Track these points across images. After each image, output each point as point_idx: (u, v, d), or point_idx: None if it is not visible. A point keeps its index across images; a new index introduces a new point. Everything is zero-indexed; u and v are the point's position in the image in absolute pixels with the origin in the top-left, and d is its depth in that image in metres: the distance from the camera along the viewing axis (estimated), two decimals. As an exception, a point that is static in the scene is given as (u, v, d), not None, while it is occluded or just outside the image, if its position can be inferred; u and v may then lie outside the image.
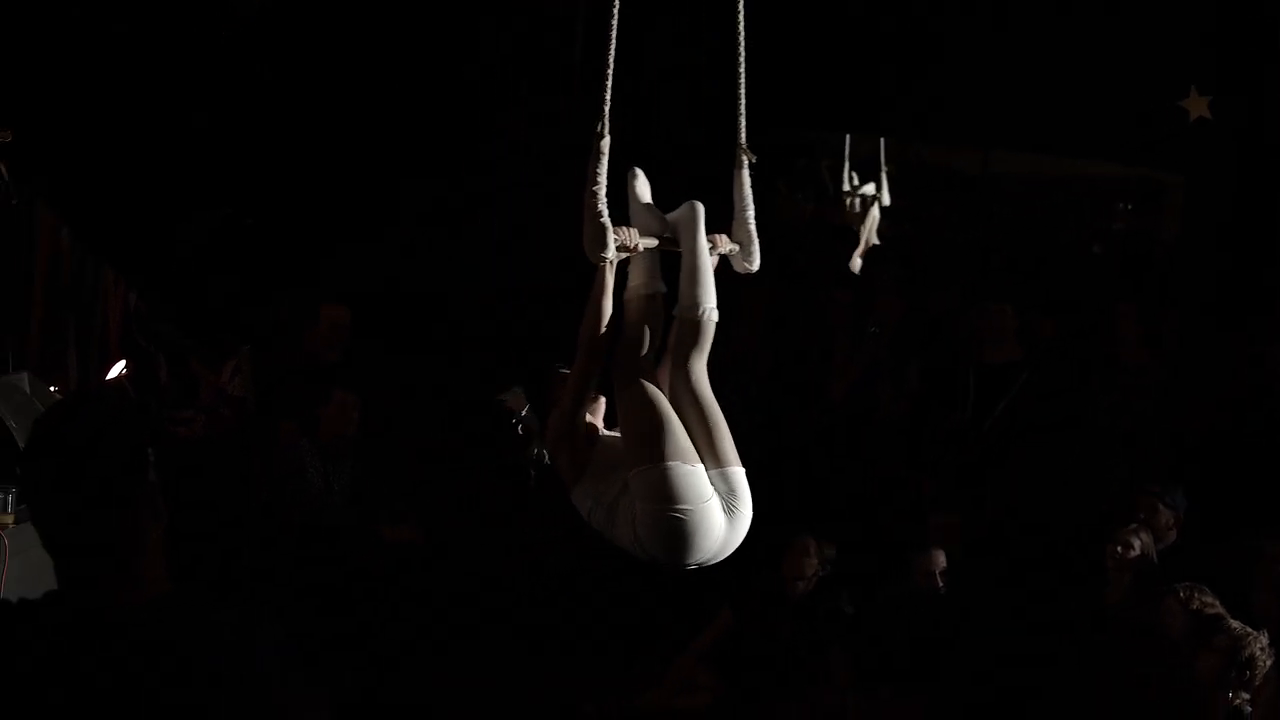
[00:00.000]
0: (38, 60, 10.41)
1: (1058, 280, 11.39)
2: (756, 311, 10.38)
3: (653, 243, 5.54)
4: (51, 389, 7.96)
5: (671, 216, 5.63)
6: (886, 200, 12.19)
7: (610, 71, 5.41)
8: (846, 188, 12.26)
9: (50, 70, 10.46)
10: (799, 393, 10.29)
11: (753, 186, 5.75)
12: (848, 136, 12.15)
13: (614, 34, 5.41)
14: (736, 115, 5.66)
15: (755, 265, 5.73)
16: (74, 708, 2.77)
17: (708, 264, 5.51)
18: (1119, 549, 8.17)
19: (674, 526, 5.24)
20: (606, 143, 5.40)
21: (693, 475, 5.25)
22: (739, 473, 5.38)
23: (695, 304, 5.47)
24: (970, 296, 10.70)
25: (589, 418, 5.60)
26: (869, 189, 12.18)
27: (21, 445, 6.79)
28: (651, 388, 5.42)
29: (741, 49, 5.64)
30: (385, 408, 9.91)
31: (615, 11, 5.41)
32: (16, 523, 6.72)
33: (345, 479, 9.26)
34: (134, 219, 10.86)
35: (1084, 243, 12.39)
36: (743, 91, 5.66)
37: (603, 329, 5.42)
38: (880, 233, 12.22)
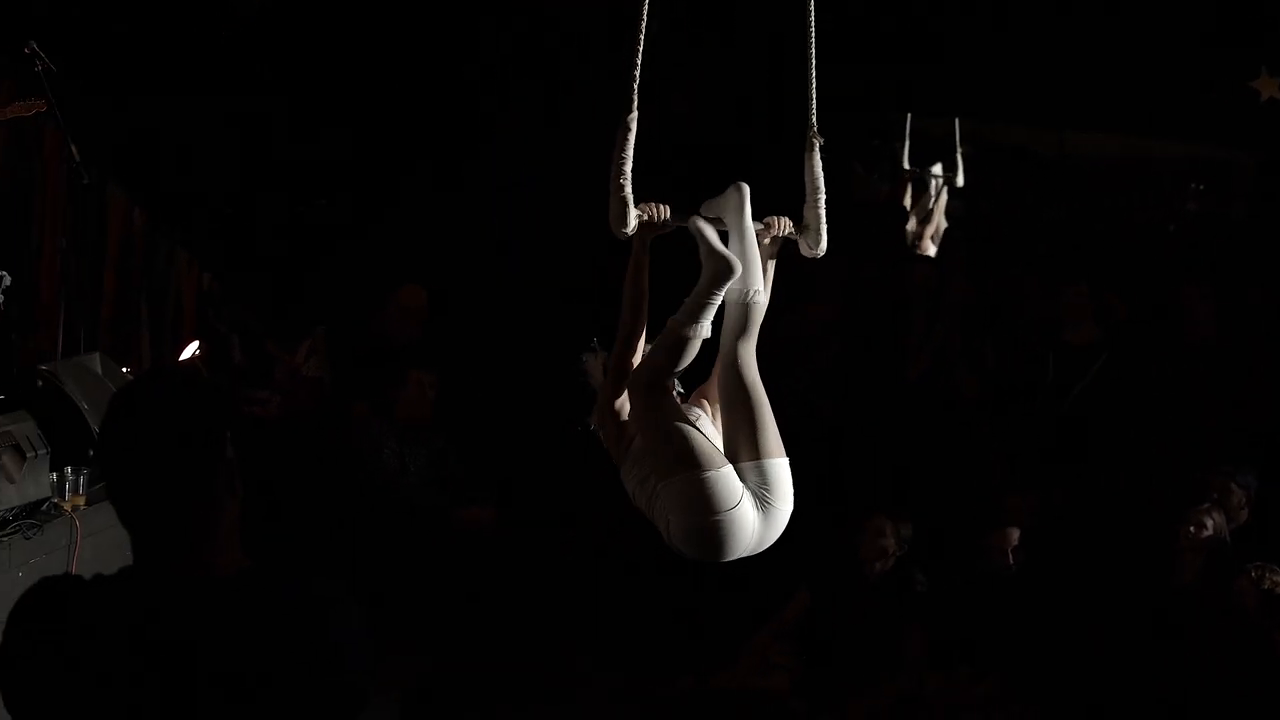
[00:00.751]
0: (112, 37, 10.41)
1: (1132, 261, 11.35)
2: (832, 292, 10.34)
3: (683, 220, 5.47)
4: (124, 370, 7.90)
5: (719, 199, 5.56)
6: (960, 181, 12.06)
7: (640, 49, 5.38)
8: (906, 167, 12.10)
9: (123, 47, 10.46)
10: (874, 373, 10.26)
11: (825, 168, 5.66)
12: (908, 116, 12.06)
13: (645, 9, 5.37)
14: (807, 98, 5.60)
15: (822, 249, 5.64)
16: (149, 682, 2.79)
17: (754, 246, 5.42)
18: (1192, 529, 8.16)
19: (703, 536, 5.19)
20: (634, 118, 5.36)
21: (716, 480, 5.16)
22: (778, 464, 5.29)
23: (742, 286, 5.38)
24: (1046, 277, 10.64)
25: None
26: (937, 169, 12.03)
27: (94, 427, 6.78)
28: (663, 401, 5.31)
29: (811, 30, 5.59)
30: (462, 388, 9.87)
31: None
32: (89, 504, 6.69)
33: (421, 460, 9.22)
34: (207, 200, 10.84)
35: (1157, 223, 12.31)
36: (813, 74, 5.61)
37: (640, 307, 5.41)
38: (950, 213, 12.11)
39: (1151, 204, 12.31)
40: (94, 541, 6.55)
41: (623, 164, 5.33)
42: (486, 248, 10.94)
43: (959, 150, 12.08)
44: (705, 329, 5.32)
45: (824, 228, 5.60)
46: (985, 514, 8.89)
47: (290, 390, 9.80)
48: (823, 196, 5.59)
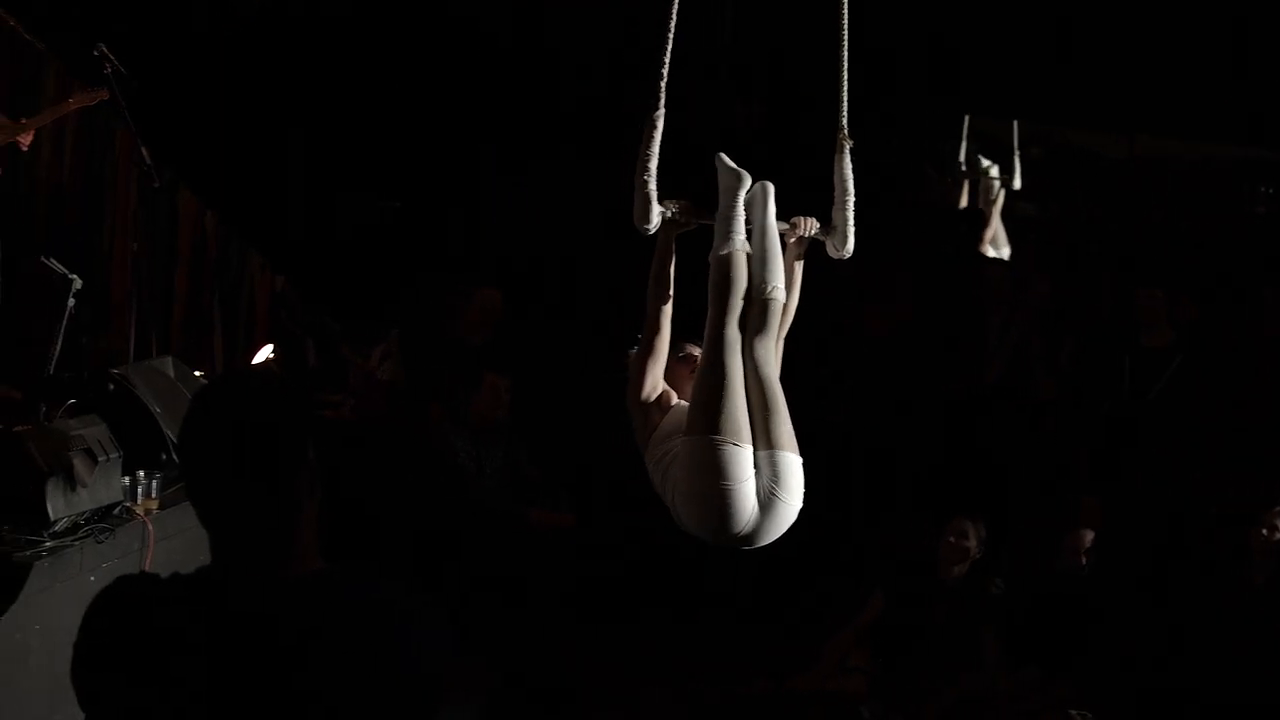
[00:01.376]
0: (184, 42, 10.42)
1: (1203, 264, 11.31)
2: (905, 293, 10.37)
3: (707, 218, 5.61)
4: (196, 373, 7.86)
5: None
6: (1017, 184, 12.02)
7: (669, 47, 5.53)
8: (962, 168, 12.10)
9: (196, 52, 10.46)
10: (951, 374, 10.28)
11: (855, 170, 5.74)
12: (966, 119, 12.05)
13: (675, 8, 5.54)
14: (838, 100, 5.69)
15: (848, 251, 5.72)
16: (224, 681, 2.78)
17: (775, 243, 5.56)
18: (1264, 531, 8.17)
19: (702, 498, 5.32)
20: (661, 116, 5.53)
21: (735, 453, 5.28)
22: (790, 459, 5.37)
23: (762, 282, 5.51)
24: (1120, 281, 10.73)
25: (672, 390, 5.72)
26: (994, 170, 11.98)
27: (166, 430, 6.71)
28: (728, 360, 5.43)
29: (845, 32, 5.69)
30: (537, 390, 9.81)
31: None
32: (161, 508, 6.65)
33: (496, 462, 9.15)
34: (281, 203, 10.82)
35: (1228, 226, 12.20)
36: (845, 76, 5.69)
37: (664, 300, 5.57)
38: (1022, 216, 12.14)
39: (1220, 207, 12.23)
40: (166, 546, 6.51)
41: (648, 160, 5.49)
42: (559, 249, 10.86)
43: (1017, 153, 12.06)
44: (739, 241, 5.50)
45: (851, 230, 5.67)
46: (1060, 515, 8.93)
47: (364, 393, 9.71)
48: (852, 199, 5.67)
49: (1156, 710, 7.94)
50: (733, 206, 5.58)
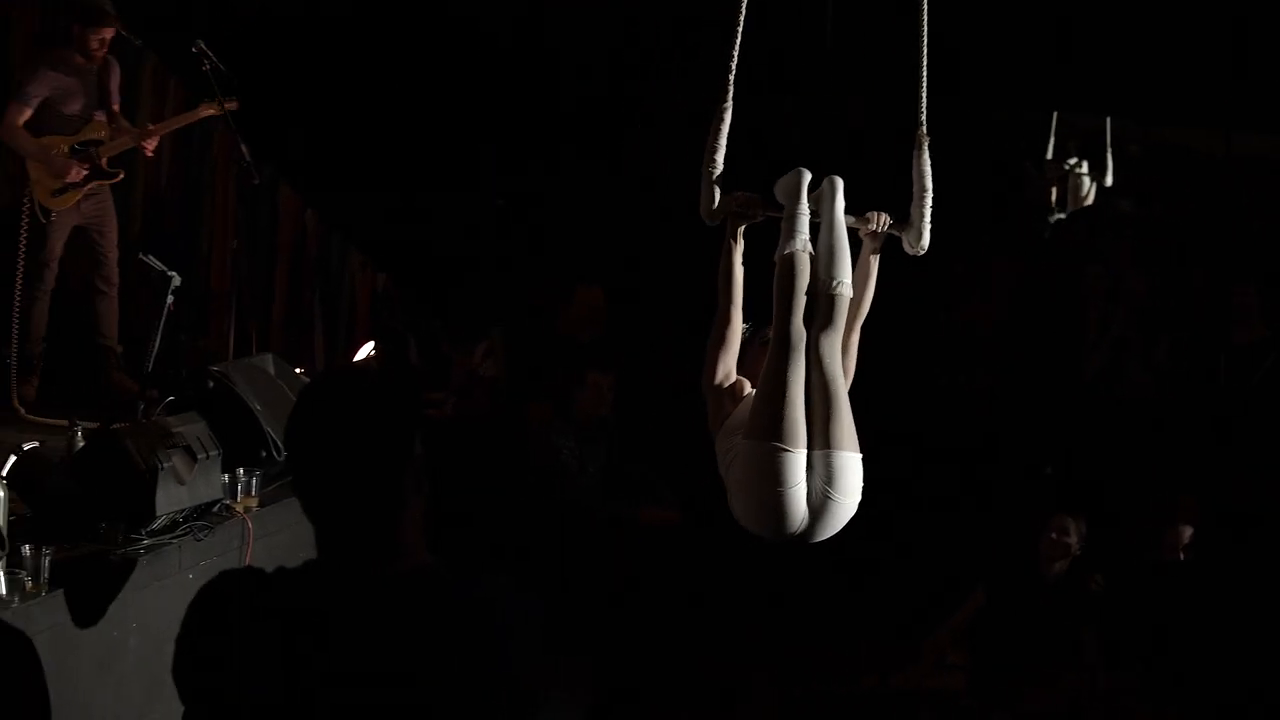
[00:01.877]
0: (286, 38, 10.43)
1: None
2: (1004, 289, 10.44)
3: (774, 211, 5.67)
4: (297, 371, 7.79)
5: (816, 192, 5.73)
6: (1109, 180, 11.98)
7: (738, 40, 5.62)
8: (1049, 163, 12.06)
9: (298, 48, 10.47)
10: (1049, 370, 10.32)
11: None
12: (1054, 115, 12.04)
13: (744, 3, 5.61)
14: (917, 97, 5.74)
15: (923, 247, 5.76)
16: (328, 675, 2.81)
17: (843, 238, 5.60)
18: None
19: (754, 500, 5.44)
20: (728, 108, 5.64)
21: (787, 459, 5.35)
22: (847, 458, 5.42)
23: (828, 278, 5.55)
24: (1214, 277, 10.64)
25: (746, 381, 5.74)
26: (1084, 167, 11.86)
27: (266, 428, 6.67)
28: (788, 362, 5.47)
29: (924, 28, 5.74)
30: (641, 387, 9.83)
31: None
32: (261, 506, 6.62)
33: (600, 460, 9.15)
34: (382, 201, 10.82)
35: None
36: (924, 73, 5.73)
37: (732, 292, 5.62)
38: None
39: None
40: (266, 543, 6.48)
41: (714, 152, 5.61)
42: (662, 245, 10.77)
43: (1109, 149, 12.05)
44: (801, 242, 5.54)
45: (928, 226, 5.70)
46: (1158, 512, 8.87)
47: (466, 391, 9.75)
48: (930, 195, 5.70)
49: (1256, 707, 7.91)
50: (793, 205, 5.62)
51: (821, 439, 5.38)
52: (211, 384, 6.94)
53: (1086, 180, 12.07)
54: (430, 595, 2.88)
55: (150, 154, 8.87)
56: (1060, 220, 11.97)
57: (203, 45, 8.30)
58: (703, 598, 8.90)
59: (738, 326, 5.67)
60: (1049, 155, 12.08)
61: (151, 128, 8.80)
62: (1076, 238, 11.77)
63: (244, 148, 8.41)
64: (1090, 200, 12.05)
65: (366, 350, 9.52)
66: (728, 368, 5.69)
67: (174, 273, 7.92)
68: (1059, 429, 9.99)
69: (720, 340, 5.66)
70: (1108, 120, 12.02)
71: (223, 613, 2.90)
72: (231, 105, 8.53)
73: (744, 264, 5.63)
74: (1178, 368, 10.12)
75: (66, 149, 8.52)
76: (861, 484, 5.45)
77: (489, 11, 10.98)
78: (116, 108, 8.81)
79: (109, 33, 8.47)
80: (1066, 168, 12.09)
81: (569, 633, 2.81)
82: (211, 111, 8.61)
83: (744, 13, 5.62)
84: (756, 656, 8.74)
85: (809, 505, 5.38)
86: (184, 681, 2.91)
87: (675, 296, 10.70)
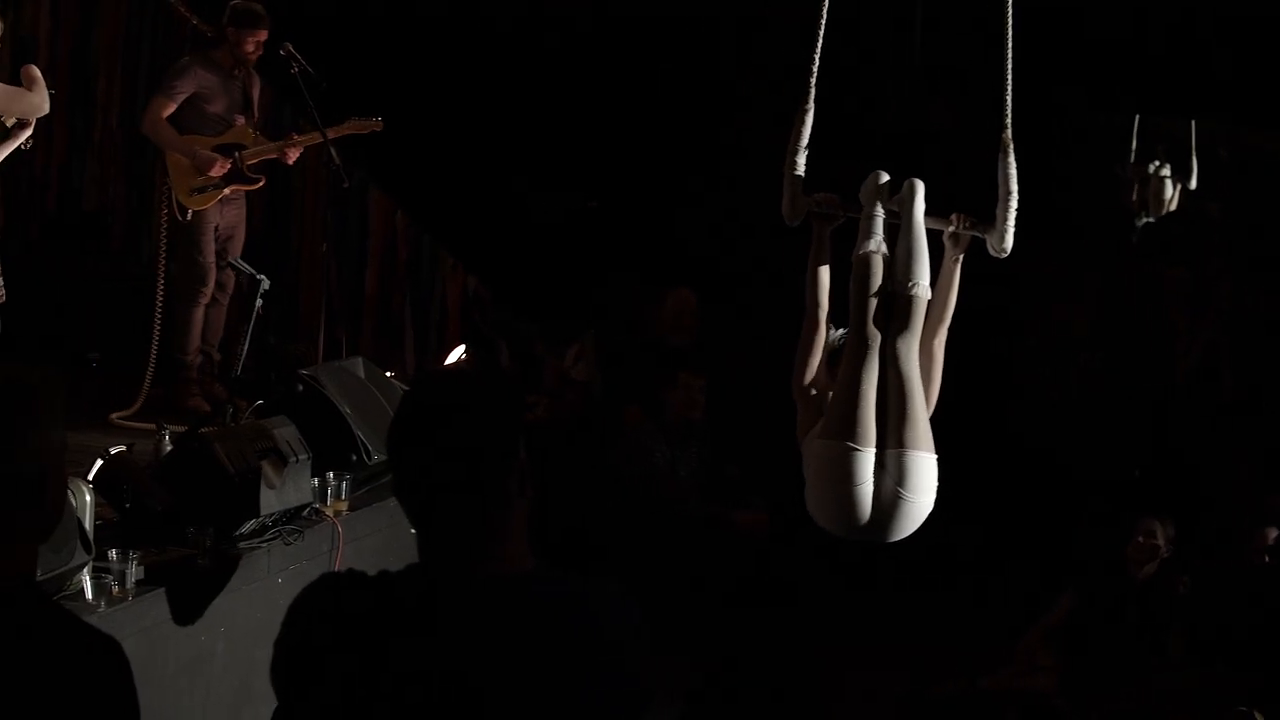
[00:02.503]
0: (374, 39, 10.46)
1: None
2: (1093, 293, 10.37)
3: (854, 212, 5.77)
4: (387, 374, 7.76)
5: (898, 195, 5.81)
6: (1193, 184, 11.77)
7: (819, 43, 5.72)
8: (1132, 166, 11.91)
9: (386, 49, 10.50)
10: (1141, 374, 10.31)
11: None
12: (1136, 118, 11.83)
13: (825, 4, 5.72)
14: (1002, 102, 5.77)
15: (1005, 249, 5.75)
16: (433, 680, 2.78)
17: (921, 240, 5.67)
18: None
19: (823, 497, 5.58)
20: (810, 112, 5.75)
21: (855, 457, 5.46)
22: (920, 458, 5.49)
23: (905, 279, 5.61)
24: None
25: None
26: (1165, 171, 11.73)
27: (357, 432, 6.67)
28: (861, 362, 5.57)
29: (1009, 31, 5.77)
30: (733, 390, 9.74)
31: None
32: (351, 510, 6.63)
33: (692, 462, 9.12)
34: (473, 203, 10.81)
35: None
36: (1009, 77, 5.77)
37: (820, 295, 5.72)
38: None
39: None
40: (356, 547, 6.47)
41: (795, 153, 5.71)
42: (753, 248, 10.71)
43: (1194, 153, 11.82)
44: (873, 243, 5.63)
45: (1010, 229, 5.70)
46: (1246, 514, 8.88)
47: (558, 394, 9.68)
48: (1014, 199, 5.70)
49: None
50: (870, 206, 5.70)
51: (895, 438, 5.47)
52: (301, 387, 6.97)
53: (1169, 184, 11.92)
54: (535, 599, 2.86)
55: (291, 163, 8.85)
56: (1148, 224, 11.83)
57: (290, 48, 8.30)
58: (794, 598, 8.89)
59: (824, 331, 5.75)
60: (1132, 159, 11.93)
61: (296, 138, 8.79)
62: (1161, 242, 11.65)
63: (334, 151, 8.40)
64: (1174, 205, 11.90)
65: (457, 354, 9.53)
66: (816, 373, 5.76)
67: (263, 276, 7.92)
68: (1148, 432, 10.00)
69: (808, 345, 5.74)
70: (1192, 124, 11.82)
71: (324, 615, 2.88)
72: (377, 125, 8.63)
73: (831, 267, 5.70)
74: (1266, 370, 10.07)
75: (208, 149, 8.52)
76: (935, 484, 5.51)
77: (581, 12, 10.92)
78: (256, 118, 8.84)
79: (263, 35, 8.50)
80: (1150, 171, 11.96)
81: (663, 633, 2.80)
82: (359, 130, 8.67)
83: (825, 15, 5.72)
84: (847, 658, 8.75)
85: (881, 504, 5.46)
86: (283, 683, 2.89)
87: (768, 298, 10.64)
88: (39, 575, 3.06)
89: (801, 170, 5.70)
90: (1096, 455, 9.81)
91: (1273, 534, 8.45)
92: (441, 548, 2.89)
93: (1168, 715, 7.95)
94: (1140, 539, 8.39)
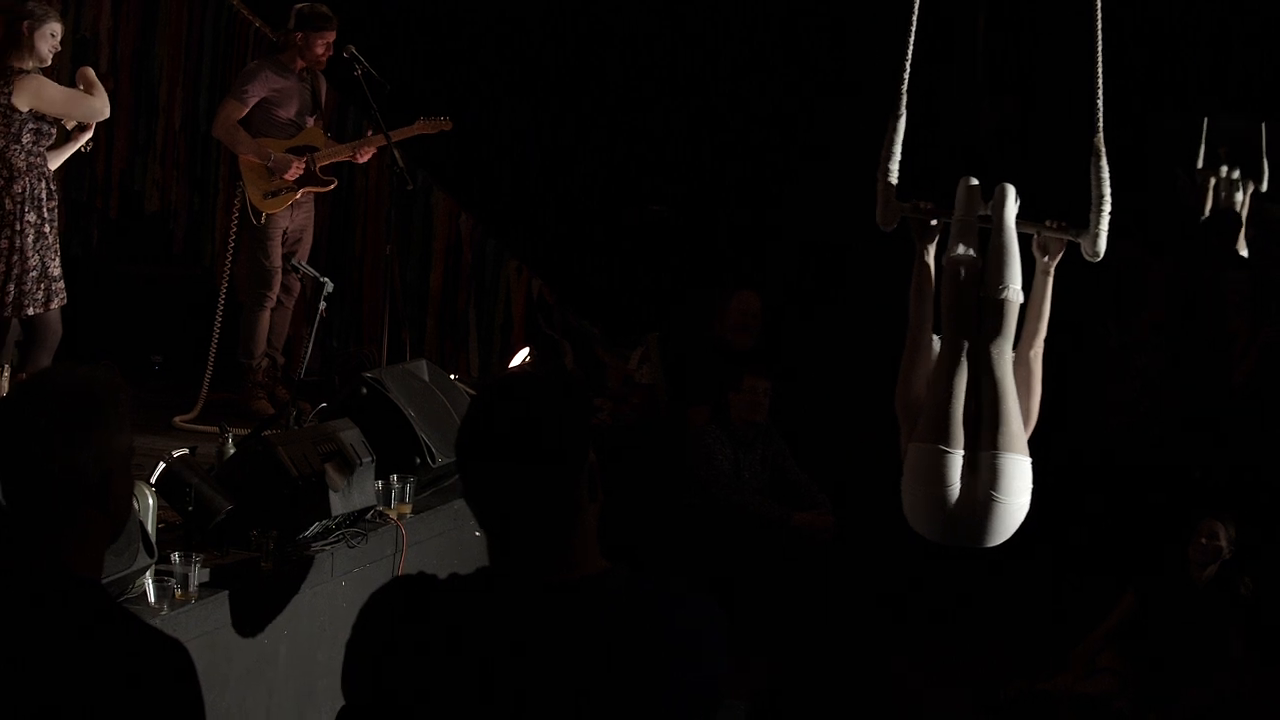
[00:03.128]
0: (440, 43, 10.46)
1: None
2: (1156, 297, 10.29)
3: (948, 217, 5.83)
4: (451, 377, 7.74)
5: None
6: (1265, 186, 11.70)
7: (910, 52, 5.81)
8: (1200, 169, 11.86)
9: (452, 52, 10.50)
10: (1201, 376, 10.23)
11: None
12: (1205, 120, 11.75)
13: (915, 13, 5.78)
14: (1094, 107, 5.78)
15: (1099, 254, 5.80)
16: (507, 684, 2.78)
17: (1012, 245, 5.71)
18: None
19: (916, 500, 5.65)
20: (902, 119, 5.83)
21: (944, 459, 5.54)
22: (1012, 461, 5.53)
23: (996, 282, 5.66)
24: None
25: None
26: (1236, 174, 11.64)
27: (421, 434, 6.65)
28: (949, 365, 5.65)
29: (1099, 38, 5.75)
30: (798, 392, 9.72)
31: None
32: (415, 513, 6.58)
33: (756, 465, 9.11)
34: (537, 205, 10.81)
35: None
36: (1100, 83, 5.77)
37: (922, 308, 5.81)
38: (1267, 218, 11.76)
39: None
40: (419, 550, 6.44)
41: (888, 160, 5.79)
42: (819, 252, 10.66)
43: (1265, 155, 11.73)
44: (962, 248, 5.70)
45: (1104, 233, 5.74)
46: None
47: (623, 397, 9.73)
48: (1108, 203, 5.73)
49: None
50: (960, 210, 5.77)
51: (989, 441, 5.50)
52: (365, 390, 6.93)
53: (1239, 187, 11.82)
54: (608, 601, 2.84)
55: (363, 161, 8.92)
56: (1205, 222, 11.73)
57: (354, 50, 8.29)
58: (857, 602, 8.89)
59: (927, 342, 5.78)
60: (1200, 163, 11.83)
61: (370, 135, 8.81)
62: (1219, 241, 11.54)
63: (398, 153, 8.39)
64: (1245, 207, 11.81)
65: (522, 356, 9.50)
66: (919, 385, 5.80)
67: (326, 279, 7.90)
68: (1209, 432, 9.90)
69: (911, 356, 5.81)
70: (1263, 126, 11.72)
71: (396, 618, 2.88)
72: (446, 125, 8.69)
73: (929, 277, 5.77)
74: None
75: (282, 152, 8.52)
76: (1029, 488, 5.54)
77: (643, 14, 10.89)
78: (325, 121, 8.85)
79: (332, 36, 8.55)
80: (1220, 175, 11.85)
81: (729, 635, 2.82)
82: (428, 130, 8.72)
83: (915, 24, 5.77)
84: (909, 659, 8.75)
85: (974, 507, 5.51)
86: (353, 686, 2.89)
87: (837, 304, 10.60)
88: (103, 579, 3.01)
89: (895, 177, 5.78)
90: (1157, 457, 9.75)
91: None
92: (512, 552, 2.88)
93: (1229, 717, 7.98)
94: (1202, 540, 8.37)
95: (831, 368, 10.10)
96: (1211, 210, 11.72)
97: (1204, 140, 11.74)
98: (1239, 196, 11.74)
